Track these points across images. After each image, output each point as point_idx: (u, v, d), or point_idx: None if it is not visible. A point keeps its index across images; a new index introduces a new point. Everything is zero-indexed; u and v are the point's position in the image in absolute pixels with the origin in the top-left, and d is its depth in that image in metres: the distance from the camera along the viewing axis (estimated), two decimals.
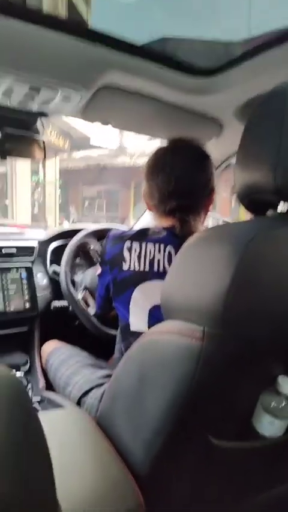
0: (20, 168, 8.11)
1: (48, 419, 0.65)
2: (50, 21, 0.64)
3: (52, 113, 0.93)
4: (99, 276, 0.91)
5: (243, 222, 0.50)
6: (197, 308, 0.46)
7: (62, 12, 7.42)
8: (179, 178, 0.80)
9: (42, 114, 0.94)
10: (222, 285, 0.42)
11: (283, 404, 0.56)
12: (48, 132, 8.23)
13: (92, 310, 1.13)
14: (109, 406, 0.62)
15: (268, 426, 0.56)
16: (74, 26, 0.68)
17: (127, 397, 0.56)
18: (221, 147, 1.12)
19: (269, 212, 0.53)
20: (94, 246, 1.23)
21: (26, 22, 0.61)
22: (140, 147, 10.00)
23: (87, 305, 1.14)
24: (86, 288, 1.15)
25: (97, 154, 11.41)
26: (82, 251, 1.23)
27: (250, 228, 0.45)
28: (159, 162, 0.84)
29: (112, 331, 1.09)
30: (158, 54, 0.76)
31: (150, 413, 0.49)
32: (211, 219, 1.82)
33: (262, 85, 0.49)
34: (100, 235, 1.24)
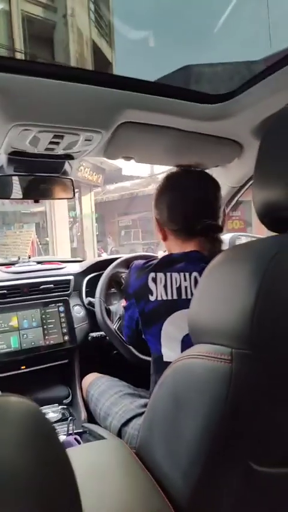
0: (58, 205, 8.53)
1: (88, 451, 0.66)
2: (67, 74, 0.70)
3: (77, 155, 0.99)
4: (125, 308, 0.91)
5: (266, 238, 0.50)
6: (224, 330, 0.45)
7: (88, 58, 7.97)
8: (203, 200, 0.83)
9: (69, 157, 1.00)
10: (247, 304, 0.41)
11: None
12: (82, 170, 8.66)
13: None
14: (147, 435, 0.61)
15: None
16: (88, 74, 0.73)
17: (163, 425, 0.55)
18: (244, 167, 1.12)
19: None
20: (125, 275, 1.25)
21: (44, 78, 0.67)
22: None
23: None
24: (120, 318, 1.16)
25: (130, 184, 11.77)
26: (114, 281, 1.25)
27: (272, 244, 0.45)
28: (176, 186, 0.86)
29: (150, 359, 1.09)
30: (170, 89, 0.80)
31: (186, 440, 0.48)
32: (244, 239, 1.77)
33: (275, 104, 0.50)
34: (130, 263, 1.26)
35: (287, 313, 0.42)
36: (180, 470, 0.49)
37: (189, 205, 0.82)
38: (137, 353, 1.12)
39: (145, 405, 0.92)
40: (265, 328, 0.41)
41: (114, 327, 1.15)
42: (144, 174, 10.70)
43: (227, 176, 1.21)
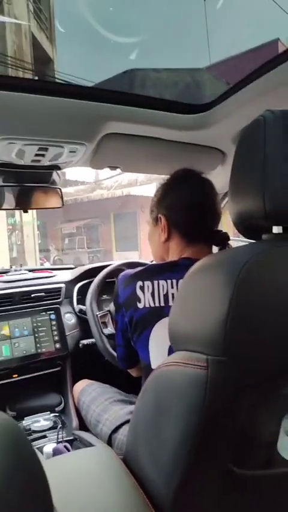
0: None
1: (75, 458, 0.68)
2: (48, 89, 0.72)
3: (63, 165, 1.01)
4: (115, 325, 0.91)
5: (240, 247, 0.51)
6: (200, 337, 0.46)
7: (27, 51, 7.45)
8: (210, 205, 0.85)
9: (56, 167, 1.02)
10: (220, 312, 0.42)
11: None
12: None
13: (107, 331, 1.18)
14: (132, 440, 0.62)
15: None
16: (69, 88, 0.76)
17: (147, 430, 0.56)
18: (227, 173, 1.15)
19: (265, 236, 0.53)
20: None
21: (25, 93, 0.69)
22: (116, 178, 10.17)
23: (105, 326, 1.18)
24: (109, 312, 1.19)
25: (73, 190, 11.53)
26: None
27: (245, 253, 0.46)
28: (190, 184, 0.86)
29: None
30: (150, 100, 0.84)
31: (168, 445, 0.49)
32: (234, 243, 1.79)
33: (254, 113, 0.52)
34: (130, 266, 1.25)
35: (259, 320, 0.43)
36: (163, 474, 0.50)
37: (203, 208, 0.84)
38: (109, 347, 1.14)
39: None
40: (238, 335, 0.42)
41: (97, 313, 1.17)
42: (89, 179, 10.55)
43: None
